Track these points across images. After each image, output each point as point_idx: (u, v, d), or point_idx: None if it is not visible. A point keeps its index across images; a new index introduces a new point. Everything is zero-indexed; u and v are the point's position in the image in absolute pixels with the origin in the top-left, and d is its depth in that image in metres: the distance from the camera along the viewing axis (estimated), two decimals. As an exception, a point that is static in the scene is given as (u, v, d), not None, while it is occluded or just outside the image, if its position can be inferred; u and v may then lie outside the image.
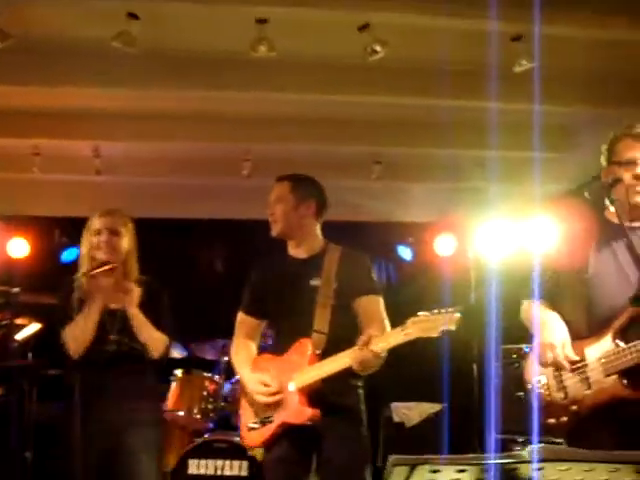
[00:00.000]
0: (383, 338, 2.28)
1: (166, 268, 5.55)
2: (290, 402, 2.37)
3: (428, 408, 5.38)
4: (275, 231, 2.60)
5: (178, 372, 4.54)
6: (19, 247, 5.85)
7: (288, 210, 2.57)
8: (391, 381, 5.69)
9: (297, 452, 2.41)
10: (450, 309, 2.16)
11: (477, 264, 5.69)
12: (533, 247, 4.14)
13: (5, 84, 3.96)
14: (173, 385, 4.50)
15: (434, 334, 2.16)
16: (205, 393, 4.45)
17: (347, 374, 2.35)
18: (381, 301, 2.57)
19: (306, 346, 2.42)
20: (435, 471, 1.41)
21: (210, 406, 4.41)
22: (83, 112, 4.49)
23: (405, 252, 6.29)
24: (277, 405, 2.40)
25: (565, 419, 2.14)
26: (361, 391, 2.53)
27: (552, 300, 2.24)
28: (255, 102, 4.26)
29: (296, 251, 2.64)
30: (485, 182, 5.45)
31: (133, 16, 3.10)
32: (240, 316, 2.70)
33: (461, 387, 5.08)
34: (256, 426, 2.43)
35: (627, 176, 2.09)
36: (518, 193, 5.65)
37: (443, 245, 6.03)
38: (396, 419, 5.33)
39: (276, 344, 2.67)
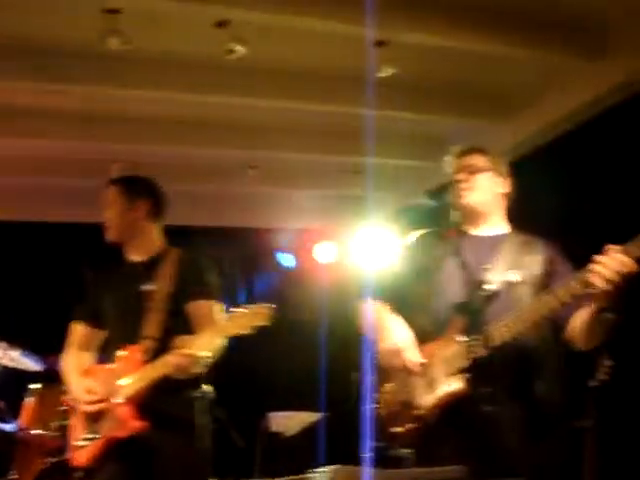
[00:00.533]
0: (197, 339, 2.23)
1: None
2: (117, 414, 2.22)
3: (307, 417, 5.34)
4: (109, 236, 2.53)
5: (34, 386, 4.26)
6: None
7: (119, 214, 2.49)
8: (268, 391, 5.65)
9: (128, 472, 2.25)
10: (263, 305, 2.16)
11: (355, 272, 5.73)
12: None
13: None
14: (29, 400, 4.22)
15: (247, 330, 2.17)
16: (64, 408, 4.18)
17: (180, 384, 2.24)
18: (214, 305, 2.48)
19: (135, 353, 2.29)
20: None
21: (68, 422, 4.14)
22: None
23: (285, 259, 6.25)
24: (104, 418, 2.25)
25: (412, 426, 2.12)
26: (199, 403, 2.40)
27: (393, 303, 2.23)
28: (108, 99, 4.02)
29: (132, 255, 2.55)
30: (363, 189, 5.50)
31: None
32: (72, 326, 2.54)
33: (340, 396, 5.07)
34: (84, 443, 2.26)
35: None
36: (393, 201, 5.76)
37: (323, 252, 6.05)
38: (274, 429, 5.25)
39: (106, 353, 2.51)
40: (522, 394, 2.04)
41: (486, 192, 2.26)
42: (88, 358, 2.55)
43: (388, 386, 2.18)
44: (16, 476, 4.09)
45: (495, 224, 2.29)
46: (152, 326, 2.37)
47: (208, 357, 2.24)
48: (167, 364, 2.23)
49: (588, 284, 1.84)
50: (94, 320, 2.56)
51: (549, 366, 2.10)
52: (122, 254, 2.59)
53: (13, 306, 5.15)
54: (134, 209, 2.53)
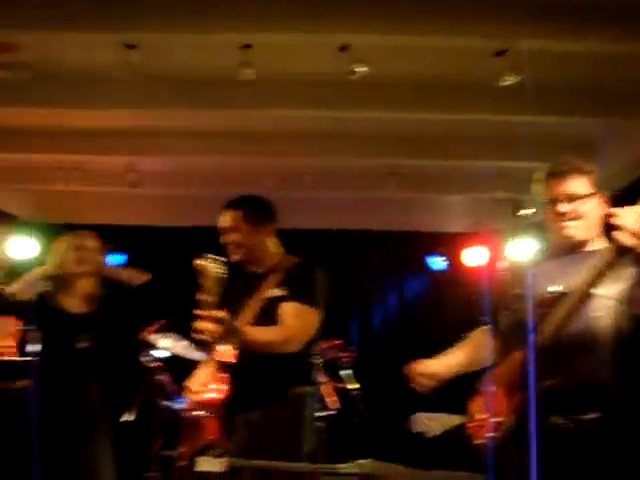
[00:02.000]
0: None
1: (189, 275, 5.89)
2: None
3: (451, 420, 5.38)
4: (235, 258, 2.69)
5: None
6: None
7: (245, 237, 2.69)
8: (413, 390, 5.75)
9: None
10: None
11: (506, 275, 5.65)
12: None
13: (47, 107, 4.37)
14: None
15: None
16: (221, 394, 4.69)
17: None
18: (298, 307, 2.58)
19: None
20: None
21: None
22: (116, 131, 4.90)
23: (436, 263, 6.32)
24: None
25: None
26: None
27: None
28: (266, 119, 4.48)
29: (251, 268, 2.75)
30: (512, 193, 5.44)
31: (131, 47, 3.38)
32: None
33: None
34: None
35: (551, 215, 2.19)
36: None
37: (475, 256, 6.02)
38: (417, 429, 5.37)
39: None
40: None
41: (590, 220, 2.14)
42: None
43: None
44: (183, 450, 4.68)
45: (593, 245, 2.18)
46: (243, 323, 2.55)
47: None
48: None
49: (618, 246, 1.80)
50: None
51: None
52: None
53: (182, 302, 5.82)
54: (259, 231, 2.69)
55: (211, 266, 2.42)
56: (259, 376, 2.57)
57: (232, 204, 2.76)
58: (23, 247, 6.14)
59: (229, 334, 2.34)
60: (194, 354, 5.10)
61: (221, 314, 2.32)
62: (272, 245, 2.79)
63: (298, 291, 2.59)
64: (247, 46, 3.36)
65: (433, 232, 6.21)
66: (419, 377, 2.31)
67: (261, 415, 2.59)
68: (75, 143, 5.06)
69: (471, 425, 2.32)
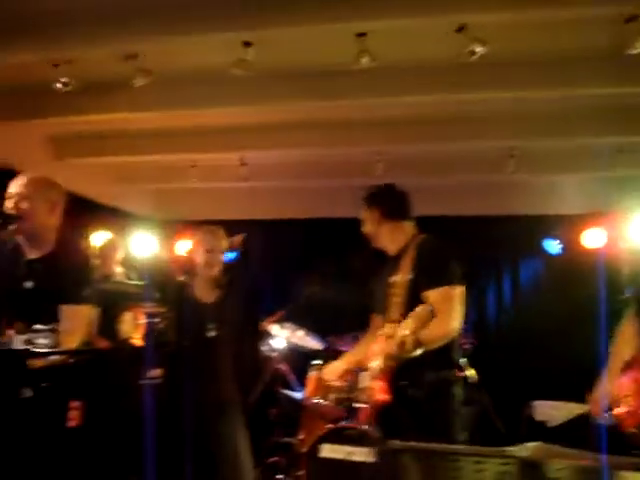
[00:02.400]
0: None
1: (300, 266, 5.99)
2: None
3: (575, 408, 5.19)
4: (374, 245, 3.01)
5: (317, 362, 4.89)
6: (185, 247, 6.63)
7: (375, 228, 2.96)
8: (536, 378, 5.58)
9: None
10: None
11: (631, 257, 5.37)
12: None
13: (164, 109, 4.56)
14: (311, 374, 4.86)
15: None
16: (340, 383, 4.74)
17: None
18: (448, 290, 2.69)
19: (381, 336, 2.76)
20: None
21: (345, 395, 4.68)
22: (230, 128, 5.05)
23: (552, 246, 6.10)
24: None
25: None
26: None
27: None
28: (380, 107, 4.46)
29: (390, 251, 2.96)
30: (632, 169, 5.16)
31: (247, 44, 3.46)
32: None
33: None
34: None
35: None
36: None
37: (593, 238, 5.77)
38: (538, 417, 5.22)
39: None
40: None
41: None
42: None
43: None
44: (302, 437, 4.80)
45: None
46: (395, 312, 2.73)
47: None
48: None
49: None
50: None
51: None
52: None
53: (302, 293, 5.94)
54: (388, 221, 2.92)
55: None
56: (408, 363, 2.67)
57: (368, 199, 3.01)
58: (143, 244, 6.49)
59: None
60: (310, 343, 5.22)
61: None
62: (406, 228, 2.96)
63: (433, 275, 2.71)
64: (362, 34, 3.35)
65: (549, 215, 5.99)
66: None
67: (410, 400, 2.71)
68: (190, 142, 5.25)
69: (619, 413, 2.24)
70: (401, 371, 2.68)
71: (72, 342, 2.59)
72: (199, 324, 3.31)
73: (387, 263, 2.96)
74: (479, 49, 3.28)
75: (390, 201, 2.98)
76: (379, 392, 2.70)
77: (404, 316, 2.67)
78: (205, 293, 3.44)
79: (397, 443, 1.55)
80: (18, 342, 2.08)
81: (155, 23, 3.46)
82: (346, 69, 3.59)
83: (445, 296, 2.66)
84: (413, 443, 1.52)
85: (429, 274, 2.70)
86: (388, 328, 2.73)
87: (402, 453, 1.53)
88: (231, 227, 3.91)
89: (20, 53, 3.70)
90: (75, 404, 3.33)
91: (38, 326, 2.18)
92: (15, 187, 2.71)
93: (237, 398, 3.44)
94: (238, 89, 4.13)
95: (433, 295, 2.66)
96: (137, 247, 6.30)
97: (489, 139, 4.82)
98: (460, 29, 3.27)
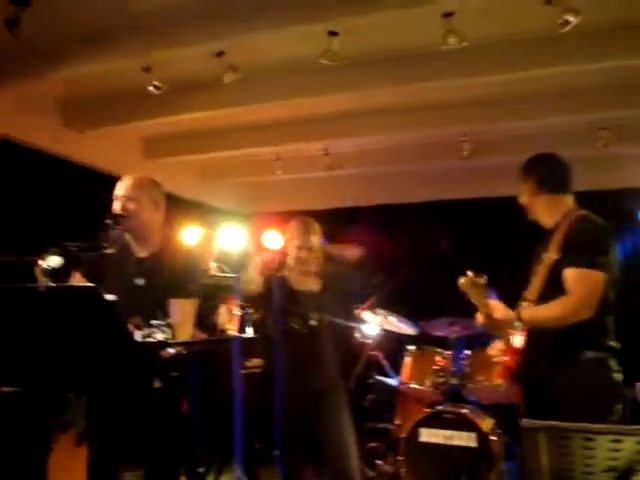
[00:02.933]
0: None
1: (394, 251, 5.97)
2: None
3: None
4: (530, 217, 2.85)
5: (411, 347, 4.89)
6: (273, 239, 6.74)
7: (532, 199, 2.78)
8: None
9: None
10: None
11: None
12: None
13: (249, 104, 4.64)
14: (406, 359, 4.86)
15: None
16: (436, 367, 4.72)
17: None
18: (582, 272, 2.52)
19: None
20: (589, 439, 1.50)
21: (441, 380, 4.66)
22: (314, 118, 5.09)
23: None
24: None
25: None
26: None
27: None
28: (467, 87, 4.38)
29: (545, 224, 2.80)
30: None
31: (333, 34, 3.47)
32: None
33: None
34: None
35: None
36: None
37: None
38: (644, 398, 5.02)
39: None
40: None
41: None
42: None
43: None
44: (399, 422, 4.81)
45: None
46: (533, 290, 2.64)
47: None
48: None
49: None
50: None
51: None
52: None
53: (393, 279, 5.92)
54: (543, 193, 2.73)
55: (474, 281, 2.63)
56: (549, 342, 2.59)
57: (524, 168, 2.83)
58: (232, 238, 6.66)
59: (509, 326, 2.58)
60: (403, 329, 5.21)
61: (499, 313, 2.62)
62: (563, 202, 2.77)
63: (578, 254, 2.53)
64: (448, 14, 3.29)
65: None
66: None
67: (554, 380, 2.57)
68: (274, 135, 5.34)
69: None
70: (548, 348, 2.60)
71: (184, 334, 2.70)
72: (300, 313, 3.34)
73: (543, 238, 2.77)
74: (572, 19, 3.16)
75: (547, 171, 2.78)
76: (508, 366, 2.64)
77: (541, 297, 2.60)
78: (306, 283, 3.45)
79: (529, 421, 1.53)
80: (138, 337, 2.19)
81: (240, 20, 3.52)
82: (431, 51, 3.55)
83: (581, 278, 2.50)
84: (544, 422, 1.50)
85: (574, 252, 2.53)
86: (522, 307, 2.64)
87: (535, 432, 1.51)
88: (317, 216, 3.95)
89: (113, 60, 3.86)
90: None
91: (155, 321, 2.28)
92: (121, 189, 2.81)
93: (341, 384, 3.47)
94: (323, 78, 4.16)
95: (570, 273, 2.52)
96: (227, 241, 6.47)
97: (580, 113, 4.64)
98: (550, 0, 3.16)
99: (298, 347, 3.35)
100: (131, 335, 1.96)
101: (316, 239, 3.49)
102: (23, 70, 4.07)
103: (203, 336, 4.88)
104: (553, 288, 2.55)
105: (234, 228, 6.65)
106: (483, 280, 2.61)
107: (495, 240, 5.72)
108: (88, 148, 5.12)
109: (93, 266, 2.73)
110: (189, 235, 5.59)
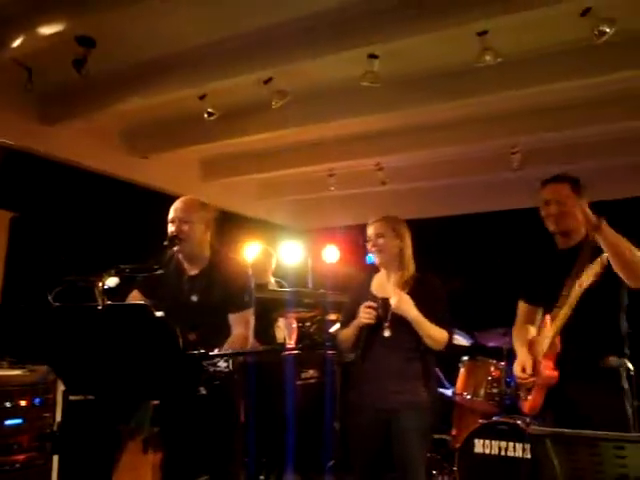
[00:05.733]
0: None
1: (447, 263, 5.99)
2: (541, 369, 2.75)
3: None
4: (555, 228, 2.82)
5: (465, 358, 4.92)
6: (332, 254, 6.93)
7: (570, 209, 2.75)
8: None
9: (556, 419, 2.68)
10: None
11: None
12: None
13: (299, 125, 4.85)
14: (461, 370, 4.89)
15: None
16: (490, 378, 4.72)
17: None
18: None
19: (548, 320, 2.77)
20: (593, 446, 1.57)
21: (495, 390, 4.67)
22: (365, 135, 5.24)
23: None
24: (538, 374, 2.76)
25: None
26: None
27: None
28: (509, 100, 4.42)
29: (564, 243, 2.84)
30: None
31: (373, 56, 3.62)
32: (519, 303, 3.03)
33: None
34: (524, 396, 2.86)
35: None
36: None
37: None
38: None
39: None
40: None
41: None
42: (532, 330, 2.94)
43: None
44: (455, 433, 4.85)
45: None
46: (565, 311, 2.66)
47: None
48: None
49: None
50: (532, 298, 2.95)
51: None
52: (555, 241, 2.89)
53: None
54: (578, 202, 2.67)
55: None
56: (569, 349, 2.67)
57: (557, 178, 2.86)
58: (292, 252, 6.88)
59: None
60: (457, 340, 5.24)
61: None
62: None
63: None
64: (483, 33, 3.38)
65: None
66: None
67: (577, 386, 2.65)
68: (327, 152, 5.51)
69: None
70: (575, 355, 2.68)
71: (246, 344, 2.86)
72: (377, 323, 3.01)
73: (559, 255, 2.83)
74: (608, 29, 3.19)
75: (583, 187, 2.80)
76: (546, 371, 2.72)
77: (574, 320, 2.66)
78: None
79: (538, 428, 1.61)
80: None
81: (285, 48, 3.72)
82: (471, 68, 3.64)
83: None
84: (553, 429, 1.57)
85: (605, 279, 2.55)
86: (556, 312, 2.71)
87: (544, 439, 1.59)
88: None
89: (170, 91, 4.14)
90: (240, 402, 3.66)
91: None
92: (175, 211, 2.97)
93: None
94: (369, 99, 4.31)
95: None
96: (286, 256, 6.69)
97: (629, 120, 4.59)
98: (585, 12, 3.21)
99: (374, 357, 3.06)
100: (178, 346, 2.12)
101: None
102: (90, 104, 4.41)
103: (260, 348, 5.10)
104: (584, 314, 2.62)
105: (292, 244, 6.89)
106: None
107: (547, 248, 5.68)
108: (151, 172, 5.45)
109: (149, 285, 2.93)
110: (248, 251, 5.84)
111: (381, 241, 3.05)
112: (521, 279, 3.04)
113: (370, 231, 3.10)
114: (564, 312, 2.66)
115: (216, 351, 2.41)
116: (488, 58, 3.42)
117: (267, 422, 4.02)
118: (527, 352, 2.85)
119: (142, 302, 2.15)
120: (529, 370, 2.77)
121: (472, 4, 3.18)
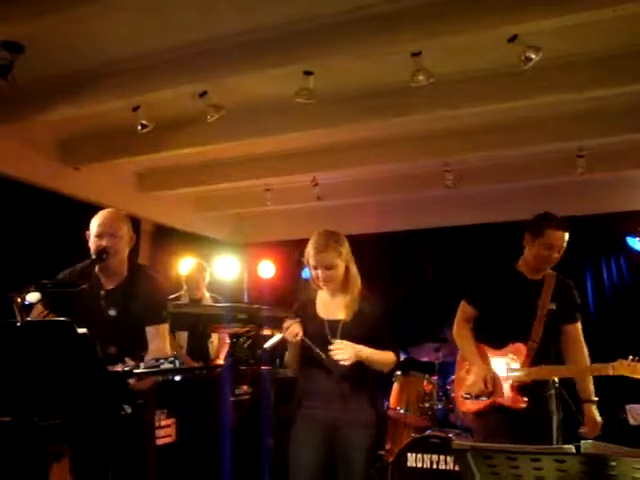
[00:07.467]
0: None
1: (379, 280, 6.06)
2: (505, 389, 3.10)
3: (670, 410, 5.01)
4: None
5: (398, 373, 4.97)
6: (268, 269, 6.91)
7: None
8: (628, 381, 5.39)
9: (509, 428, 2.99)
10: None
11: None
12: None
13: (235, 140, 4.82)
14: (394, 385, 4.94)
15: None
16: (422, 392, 4.81)
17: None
18: (579, 327, 3.17)
19: (521, 351, 3.08)
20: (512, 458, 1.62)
21: (427, 404, 4.74)
22: (301, 151, 5.27)
23: (635, 243, 5.92)
24: (495, 386, 3.11)
25: None
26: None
27: None
28: (442, 119, 4.52)
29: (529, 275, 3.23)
30: None
31: (308, 73, 3.65)
32: (463, 303, 3.33)
33: None
34: (469, 397, 3.17)
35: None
36: None
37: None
38: (632, 422, 5.07)
39: (490, 338, 3.22)
40: None
41: None
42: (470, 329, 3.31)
43: None
44: (389, 447, 4.89)
45: None
46: (537, 333, 3.06)
47: None
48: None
49: None
50: (478, 305, 3.28)
51: None
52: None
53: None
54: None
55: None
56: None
57: (565, 226, 3.14)
58: (228, 267, 6.82)
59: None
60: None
61: None
62: None
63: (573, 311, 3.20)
64: (417, 54, 3.46)
65: (630, 211, 5.81)
66: None
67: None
68: (263, 167, 5.51)
69: None
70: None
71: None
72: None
73: (523, 284, 3.19)
74: (534, 56, 3.32)
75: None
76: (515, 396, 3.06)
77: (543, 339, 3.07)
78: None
79: (459, 443, 1.64)
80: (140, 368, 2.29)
81: (221, 62, 3.70)
82: (405, 87, 3.71)
83: (577, 330, 3.17)
84: (473, 443, 1.60)
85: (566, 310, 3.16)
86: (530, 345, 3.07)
87: (465, 453, 1.62)
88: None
89: (101, 102, 4.06)
90: (169, 421, 3.58)
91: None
92: (104, 225, 2.85)
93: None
94: (304, 115, 4.34)
95: (575, 328, 3.18)
96: (222, 271, 6.63)
97: (554, 141, 4.78)
98: (512, 39, 3.33)
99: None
100: (101, 363, 2.07)
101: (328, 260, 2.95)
102: (20, 113, 4.27)
103: (192, 364, 5.01)
104: (555, 334, 3.12)
105: (229, 258, 6.84)
106: None
107: (478, 267, 5.82)
108: (84, 184, 5.30)
109: (56, 299, 2.76)
110: (183, 265, 5.75)
111: (330, 272, 2.83)
112: (475, 288, 3.32)
113: (317, 261, 2.81)
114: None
115: (142, 367, 2.36)
116: (421, 78, 3.50)
117: (201, 441, 3.95)
118: (484, 365, 3.13)
119: (64, 319, 2.08)
120: (490, 387, 3.08)
121: (405, 27, 3.25)
